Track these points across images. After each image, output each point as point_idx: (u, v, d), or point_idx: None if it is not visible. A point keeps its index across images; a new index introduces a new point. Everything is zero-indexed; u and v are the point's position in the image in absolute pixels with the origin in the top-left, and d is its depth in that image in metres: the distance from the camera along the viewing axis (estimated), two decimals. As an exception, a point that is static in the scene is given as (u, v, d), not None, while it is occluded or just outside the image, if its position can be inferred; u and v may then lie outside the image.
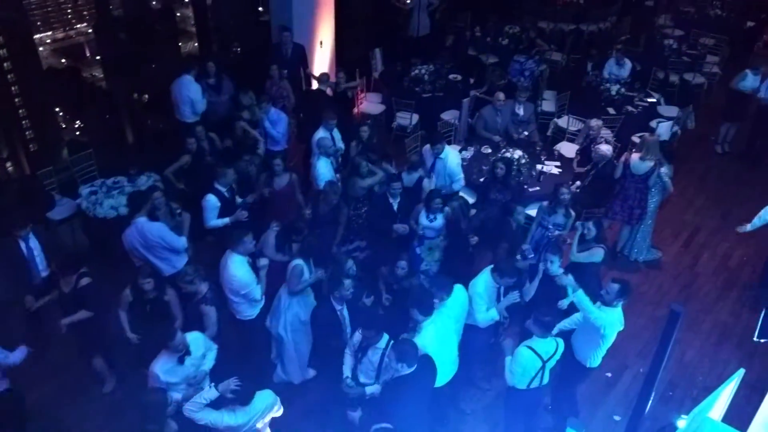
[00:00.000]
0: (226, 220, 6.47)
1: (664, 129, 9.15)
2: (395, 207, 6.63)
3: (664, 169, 7.39)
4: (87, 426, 5.74)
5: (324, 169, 7.12)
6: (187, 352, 4.71)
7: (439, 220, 6.46)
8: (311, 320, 5.55)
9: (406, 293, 5.67)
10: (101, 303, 5.55)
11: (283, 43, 9.27)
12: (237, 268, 5.46)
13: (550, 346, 4.91)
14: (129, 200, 6.36)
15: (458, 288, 5.40)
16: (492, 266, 5.54)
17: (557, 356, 4.99)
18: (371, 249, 6.78)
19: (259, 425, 4.54)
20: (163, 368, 4.63)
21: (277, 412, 4.67)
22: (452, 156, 7.38)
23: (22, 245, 5.83)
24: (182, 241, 6.16)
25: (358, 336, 4.97)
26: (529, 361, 4.88)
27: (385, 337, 4.89)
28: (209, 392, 4.38)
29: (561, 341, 5.01)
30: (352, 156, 7.32)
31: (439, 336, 4.99)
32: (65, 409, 5.85)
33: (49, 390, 5.98)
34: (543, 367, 4.92)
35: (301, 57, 9.57)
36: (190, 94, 8.24)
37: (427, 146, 7.46)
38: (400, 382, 4.55)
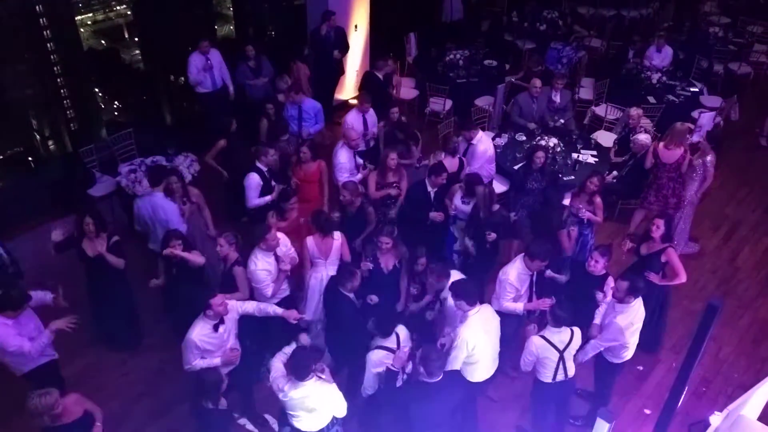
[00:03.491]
0: (268, 198, 6.49)
1: (706, 119, 8.90)
2: (432, 196, 6.50)
3: (709, 158, 7.19)
4: (125, 395, 5.89)
5: (343, 159, 7.04)
6: (222, 321, 4.78)
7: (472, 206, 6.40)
8: (331, 313, 5.47)
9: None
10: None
11: (329, 27, 9.31)
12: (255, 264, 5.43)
13: (564, 335, 4.86)
14: (149, 173, 6.42)
15: None
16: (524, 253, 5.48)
17: (575, 344, 4.93)
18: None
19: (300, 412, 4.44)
20: (199, 336, 4.71)
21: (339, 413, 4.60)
22: (483, 142, 7.27)
23: None
24: (183, 228, 6.18)
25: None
26: (542, 350, 4.84)
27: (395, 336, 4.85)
28: (291, 346, 4.59)
29: (577, 329, 4.94)
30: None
31: (483, 330, 4.89)
32: (102, 379, 6.02)
33: (88, 360, 6.17)
34: (562, 358, 4.87)
35: (342, 40, 9.58)
36: (189, 66, 8.48)
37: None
38: (423, 387, 4.44)
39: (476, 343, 4.80)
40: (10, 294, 4.78)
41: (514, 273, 5.41)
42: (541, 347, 4.84)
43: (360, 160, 7.18)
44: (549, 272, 5.72)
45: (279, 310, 5.04)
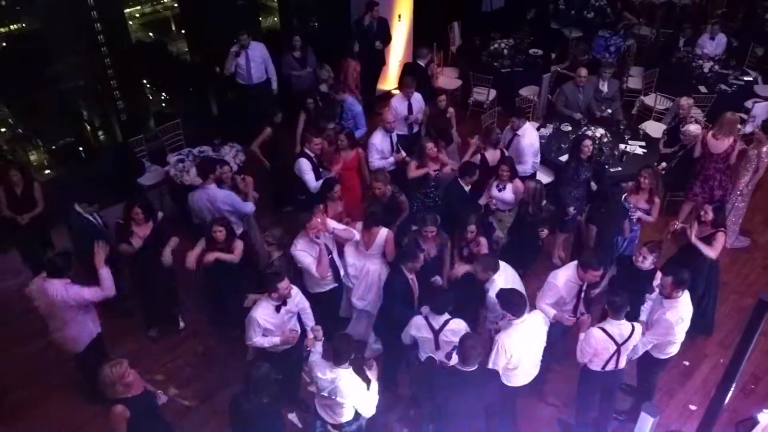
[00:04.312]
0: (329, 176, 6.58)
1: (760, 109, 8.60)
2: (467, 191, 6.45)
3: (765, 149, 6.95)
4: (172, 379, 6.06)
5: (376, 140, 7.10)
6: (284, 303, 4.94)
7: (509, 193, 6.36)
8: (385, 288, 5.52)
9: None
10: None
11: (372, 17, 9.34)
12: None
13: (624, 329, 4.77)
14: (199, 167, 6.52)
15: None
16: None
17: (635, 339, 4.84)
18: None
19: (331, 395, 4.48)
20: (261, 315, 4.88)
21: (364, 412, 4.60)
22: (528, 135, 7.22)
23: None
24: (250, 206, 6.33)
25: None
26: (601, 342, 4.77)
27: (445, 316, 4.85)
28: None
29: (638, 325, 4.86)
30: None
31: (526, 340, 4.79)
32: (149, 363, 6.19)
33: (136, 345, 6.37)
34: (618, 351, 4.80)
35: (384, 30, 9.61)
36: (229, 58, 8.58)
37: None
38: (455, 374, 4.40)
39: (516, 354, 4.71)
40: (55, 260, 5.00)
41: (563, 278, 5.24)
42: (601, 339, 4.76)
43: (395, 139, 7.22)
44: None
45: (315, 332, 5.01)
